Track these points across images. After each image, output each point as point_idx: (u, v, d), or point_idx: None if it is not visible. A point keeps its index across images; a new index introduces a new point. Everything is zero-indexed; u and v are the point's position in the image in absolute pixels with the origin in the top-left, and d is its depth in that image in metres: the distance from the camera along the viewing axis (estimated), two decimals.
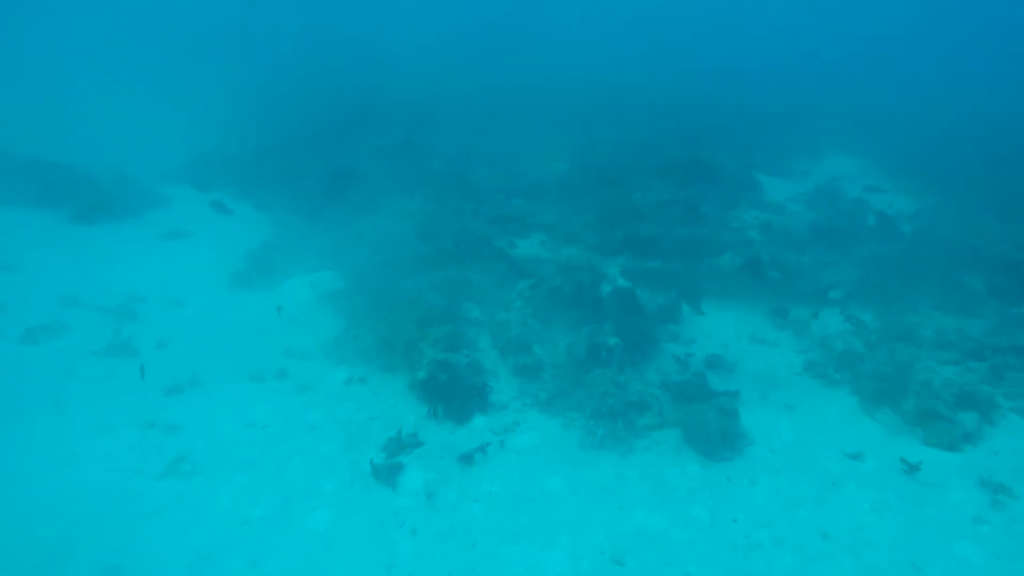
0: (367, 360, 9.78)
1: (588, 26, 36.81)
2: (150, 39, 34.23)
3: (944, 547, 5.99)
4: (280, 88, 26.25)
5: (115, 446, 8.10)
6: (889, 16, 50.62)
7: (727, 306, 10.79)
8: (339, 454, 7.77)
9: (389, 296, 10.76)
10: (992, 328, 9.40)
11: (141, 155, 19.68)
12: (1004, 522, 6.24)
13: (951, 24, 48.71)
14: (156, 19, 38.32)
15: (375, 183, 15.32)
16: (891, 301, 10.20)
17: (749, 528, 6.25)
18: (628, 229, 12.48)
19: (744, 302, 10.71)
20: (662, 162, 15.73)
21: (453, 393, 8.44)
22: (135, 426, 8.56)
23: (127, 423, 8.64)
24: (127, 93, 26.56)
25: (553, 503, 6.68)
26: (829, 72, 34.12)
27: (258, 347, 10.42)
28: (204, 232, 15.34)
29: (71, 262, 13.67)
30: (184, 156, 19.82)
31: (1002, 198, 14.52)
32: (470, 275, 11.33)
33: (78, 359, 10.34)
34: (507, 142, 18.99)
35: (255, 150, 19.70)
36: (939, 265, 10.68)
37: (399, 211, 13.89)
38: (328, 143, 18.61)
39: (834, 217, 13.21)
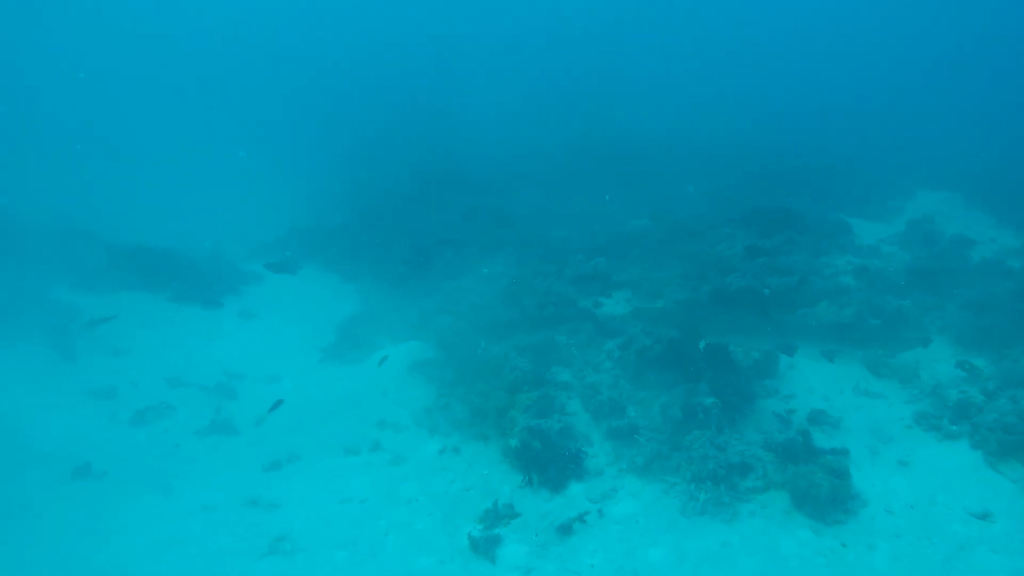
0: (459, 429, 10.35)
1: (660, 80, 37.88)
2: (239, 118, 37.64)
3: None
4: (363, 161, 28.17)
5: (218, 525, 8.78)
6: (954, 44, 49.51)
7: (825, 357, 10.79)
8: (436, 528, 8.19)
9: (477, 363, 11.38)
10: None
11: (234, 233, 21.50)
12: None
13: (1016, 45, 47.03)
14: (244, 99, 42.14)
15: (457, 250, 16.26)
16: (1006, 344, 9.93)
17: None
18: (715, 282, 12.72)
19: (844, 351, 10.70)
20: (744, 211, 15.99)
21: (547, 460, 8.81)
22: (237, 504, 9.30)
23: (229, 501, 9.38)
24: (220, 174, 29.34)
25: (658, 575, 6.83)
26: (905, 106, 33.65)
27: (352, 420, 11.20)
28: (295, 307, 16.62)
29: (174, 343, 15.12)
30: (274, 232, 21.61)
31: None
32: (556, 338, 11.83)
33: (183, 438, 11.37)
34: (584, 201, 19.73)
35: (341, 223, 21.21)
36: None
37: (482, 277, 14.68)
38: (410, 213, 19.87)
39: (932, 257, 12.99)
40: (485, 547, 7.57)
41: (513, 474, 9.01)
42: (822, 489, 7.26)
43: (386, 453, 10.21)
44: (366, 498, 9.06)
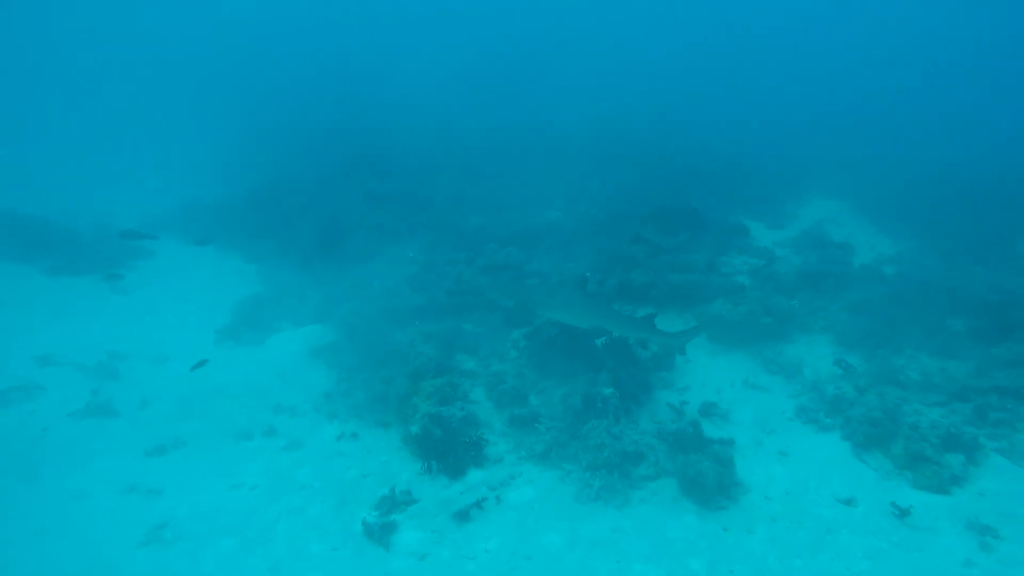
0: (359, 415, 9.98)
1: (582, 74, 38.26)
2: (135, 84, 35.02)
3: None
4: (273, 137, 26.83)
5: (90, 513, 8.08)
6: (868, 58, 53.15)
7: (719, 351, 11.20)
8: (330, 514, 7.87)
9: (381, 349, 11.03)
10: (974, 370, 9.87)
11: (125, 205, 19.94)
12: (992, 565, 6.53)
13: (930, 66, 51.18)
14: (142, 63, 39.23)
15: (368, 232, 15.71)
16: (878, 345, 10.67)
17: None
18: (621, 276, 12.93)
19: (735, 347, 11.13)
20: (653, 209, 16.36)
21: (447, 447, 8.62)
22: (113, 491, 8.57)
23: (104, 488, 8.63)
24: (111, 140, 27.13)
25: (551, 560, 6.83)
26: (811, 117, 35.60)
27: (246, 404, 10.57)
28: (189, 285, 15.57)
29: (48, 319, 13.80)
30: (170, 205, 20.15)
31: (979, 241, 15.27)
32: (464, 326, 11.66)
33: (53, 421, 10.35)
34: (501, 189, 19.61)
35: (245, 198, 20.06)
36: (922, 308, 11.22)
37: (392, 261, 14.26)
38: (320, 190, 19.07)
39: (820, 261, 13.81)
40: (380, 534, 7.33)
41: (413, 461, 8.79)
42: (708, 477, 7.48)
43: (281, 438, 9.72)
44: (257, 484, 8.58)
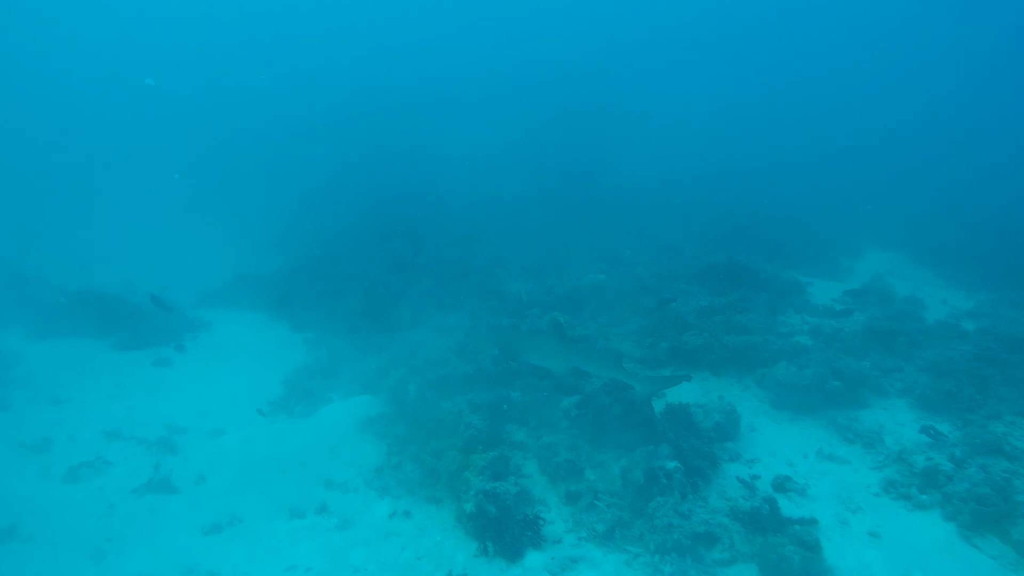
0: (410, 491, 9.49)
1: (621, 133, 38.38)
2: (188, 162, 36.83)
3: None
4: (315, 207, 27.54)
5: None
6: (910, 106, 52.00)
7: (785, 419, 10.33)
8: None
9: (429, 420, 10.59)
10: None
11: (181, 279, 20.50)
12: None
13: (972, 111, 49.81)
14: (194, 143, 41.36)
15: (411, 300, 15.58)
16: (969, 409, 9.61)
17: None
18: (673, 339, 12.31)
19: (804, 414, 10.25)
20: (700, 267, 15.81)
21: (503, 527, 8.04)
22: (173, 572, 8.31)
23: (165, 569, 8.39)
24: (167, 217, 28.34)
25: None
26: (858, 166, 34.74)
27: (298, 479, 10.23)
28: (242, 356, 15.61)
29: (116, 392, 13.96)
30: (223, 278, 20.61)
31: None
32: (512, 394, 11.15)
33: (118, 497, 10.29)
34: (541, 252, 19.35)
35: (291, 270, 20.39)
36: (1015, 367, 10.13)
37: (436, 329, 14.00)
38: (364, 258, 19.16)
39: (888, 318, 12.84)
40: None
41: (467, 541, 8.19)
42: (793, 563, 6.63)
43: (333, 516, 9.26)
44: (311, 566, 8.11)
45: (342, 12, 56.14)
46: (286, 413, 12.43)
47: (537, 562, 7.70)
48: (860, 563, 7.05)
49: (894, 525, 7.74)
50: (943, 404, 9.86)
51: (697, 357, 12.03)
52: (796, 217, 23.03)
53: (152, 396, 13.79)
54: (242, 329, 17.22)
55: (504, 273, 17.51)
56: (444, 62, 54.74)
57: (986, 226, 19.86)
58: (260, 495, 9.99)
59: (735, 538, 7.36)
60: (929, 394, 10.04)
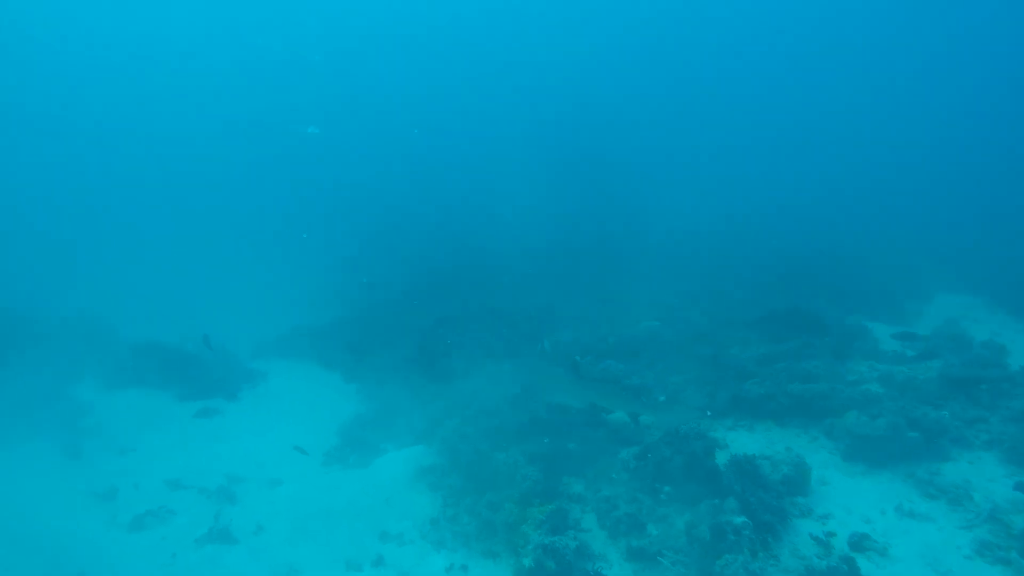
0: (467, 544, 9.40)
1: (662, 175, 38.28)
2: (245, 217, 38.55)
3: None
4: (365, 258, 28.30)
5: None
6: (954, 142, 50.03)
7: (859, 472, 9.80)
8: None
9: (485, 471, 10.51)
10: None
11: (239, 329, 21.23)
12: None
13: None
14: (248, 194, 43.27)
15: (462, 350, 15.69)
16: None
17: None
18: (733, 388, 11.96)
19: (879, 466, 9.70)
20: (758, 313, 15.40)
21: None
22: None
23: None
24: (226, 269, 29.61)
25: None
26: (914, 204, 33.59)
27: (354, 530, 10.28)
28: (298, 406, 15.94)
29: (178, 442, 14.45)
30: (279, 327, 21.27)
31: None
32: (568, 445, 10.99)
33: (180, 547, 10.57)
34: (591, 300, 19.30)
35: (343, 321, 20.88)
36: None
37: (488, 379, 14.03)
38: (413, 312, 19.47)
39: (966, 365, 12.13)
40: None
41: None
42: None
43: (390, 569, 9.28)
44: None
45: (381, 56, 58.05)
46: (341, 463, 12.57)
47: None
48: None
49: None
50: None
51: (759, 406, 11.61)
52: (855, 258, 22.25)
53: (212, 446, 14.20)
54: (297, 379, 17.67)
55: (554, 321, 17.48)
56: (491, 111, 56.02)
57: None
58: (317, 546, 10.10)
59: None
60: (1020, 446, 9.35)
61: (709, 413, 11.51)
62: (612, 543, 8.82)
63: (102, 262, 30.52)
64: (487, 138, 51.82)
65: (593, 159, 43.31)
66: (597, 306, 18.54)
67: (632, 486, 9.68)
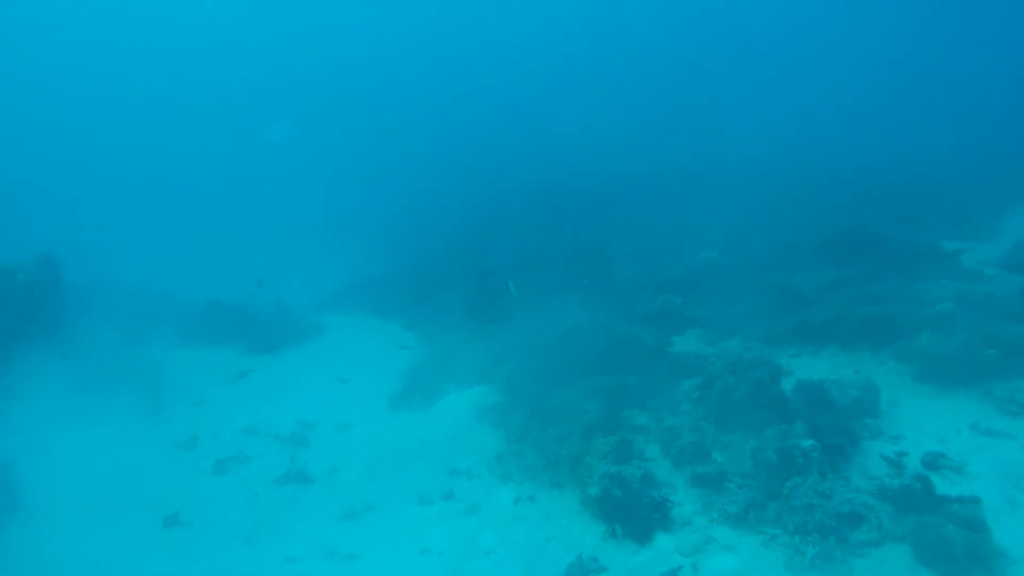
0: (533, 476, 9.78)
1: (733, 102, 36.76)
2: (296, 171, 39.26)
3: None
4: (415, 207, 28.56)
5: None
6: None
7: (932, 393, 9.68)
8: None
9: (547, 407, 10.84)
10: None
11: (297, 286, 22.04)
12: None
13: None
14: (302, 152, 44.02)
15: (519, 292, 15.87)
16: None
17: None
18: (796, 315, 11.85)
19: (953, 386, 9.55)
20: (821, 238, 15.04)
21: (631, 509, 8.14)
22: (317, 555, 9.10)
23: (310, 552, 9.22)
24: (280, 227, 30.46)
25: None
26: (989, 111, 31.44)
27: (423, 467, 10.83)
28: (359, 355, 16.59)
29: (248, 393, 15.32)
30: (335, 283, 21.98)
31: None
32: (628, 379, 11.18)
33: (261, 487, 11.36)
34: (649, 235, 19.13)
35: (398, 272, 21.36)
36: None
37: (546, 318, 14.24)
38: (467, 257, 19.74)
39: None
40: None
41: (594, 524, 8.38)
42: (955, 544, 6.25)
43: (460, 502, 9.74)
44: (444, 549, 8.62)
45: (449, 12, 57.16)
46: (406, 406, 13.13)
47: (668, 544, 7.75)
48: None
49: None
50: None
51: (824, 332, 11.50)
52: (926, 174, 21.23)
53: (280, 395, 14.99)
54: (357, 330, 18.32)
55: (612, 256, 17.43)
56: (543, 47, 54.53)
57: None
58: (389, 483, 10.69)
59: (883, 518, 7.04)
60: None
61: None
62: (677, 471, 9.03)
63: (162, 231, 31.81)
64: (542, 75, 50.68)
65: (649, 89, 41.94)
66: (654, 240, 18.38)
67: (695, 415, 9.84)
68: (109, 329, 16.94)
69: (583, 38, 53.71)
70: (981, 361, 9.44)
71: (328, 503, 10.51)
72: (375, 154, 41.74)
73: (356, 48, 57.70)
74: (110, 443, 13.20)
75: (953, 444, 8.41)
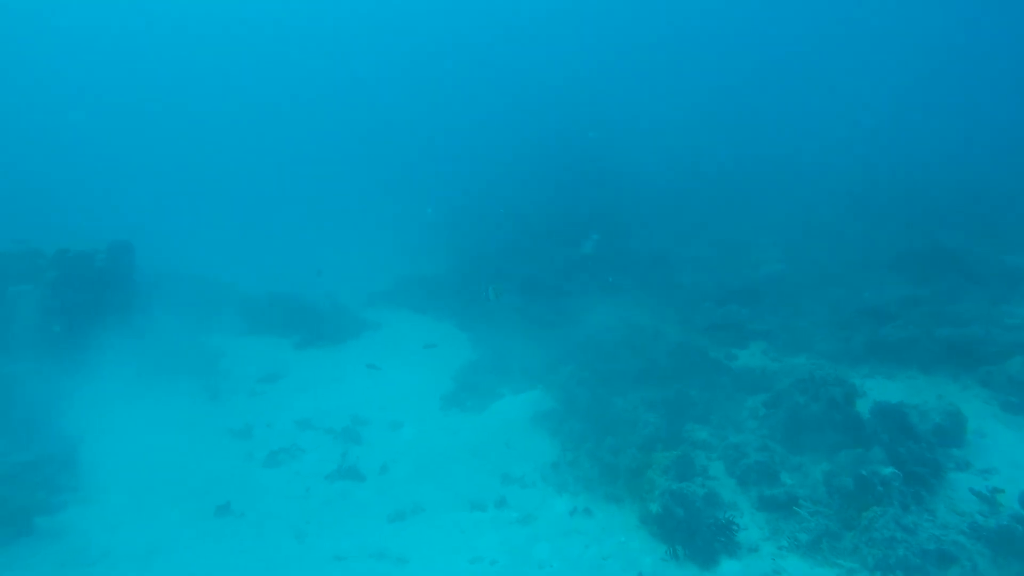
0: (589, 488, 9.53)
1: (800, 108, 35.59)
2: (355, 173, 39.79)
3: None
4: (471, 208, 28.51)
5: None
6: None
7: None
8: None
9: (604, 416, 10.57)
10: None
11: (349, 282, 22.21)
12: None
13: None
14: (361, 153, 44.66)
15: (574, 294, 15.65)
16: None
17: None
18: (870, 333, 11.25)
19: None
20: (894, 253, 14.33)
21: (693, 530, 7.80)
22: (366, 556, 8.99)
23: (359, 552, 9.10)
24: (337, 223, 30.84)
25: None
26: None
27: (475, 471, 10.66)
28: (413, 353, 16.57)
29: (303, 385, 15.43)
30: (389, 279, 22.07)
31: None
32: (690, 391, 10.80)
33: (313, 482, 11.34)
34: (710, 242, 18.60)
35: (451, 271, 21.34)
36: None
37: (602, 322, 13.94)
38: (522, 259, 19.54)
39: None
40: None
41: (653, 543, 8.08)
42: None
43: (513, 511, 9.54)
44: (496, 558, 8.42)
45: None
46: (459, 407, 13.01)
47: (733, 570, 7.39)
48: None
49: None
50: None
51: (900, 352, 10.90)
52: (1001, 188, 20.04)
53: (333, 389, 15.05)
54: (410, 327, 18.33)
55: (671, 264, 17.00)
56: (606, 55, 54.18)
57: None
58: (440, 486, 10.53)
59: (978, 561, 6.52)
60: None
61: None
62: (742, 491, 8.68)
63: (227, 223, 32.58)
64: (607, 78, 50.22)
65: (715, 95, 41.04)
66: (716, 248, 17.86)
67: (762, 434, 9.45)
68: (175, 315, 17.36)
69: (648, 42, 52.93)
70: None
71: (378, 502, 10.42)
72: (434, 152, 41.97)
73: (421, 48, 58.23)
74: (169, 426, 13.41)
75: None
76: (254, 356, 17.30)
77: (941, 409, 8.90)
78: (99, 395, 13.76)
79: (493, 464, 10.71)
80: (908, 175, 23.54)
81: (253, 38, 57.50)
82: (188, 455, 12.47)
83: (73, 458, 11.90)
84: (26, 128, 46.37)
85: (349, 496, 10.85)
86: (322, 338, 17.81)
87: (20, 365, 13.95)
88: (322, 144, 48.56)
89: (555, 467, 10.19)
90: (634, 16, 53.44)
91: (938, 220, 17.83)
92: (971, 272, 13.50)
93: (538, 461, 10.49)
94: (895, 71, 47.69)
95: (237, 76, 58.37)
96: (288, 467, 12.08)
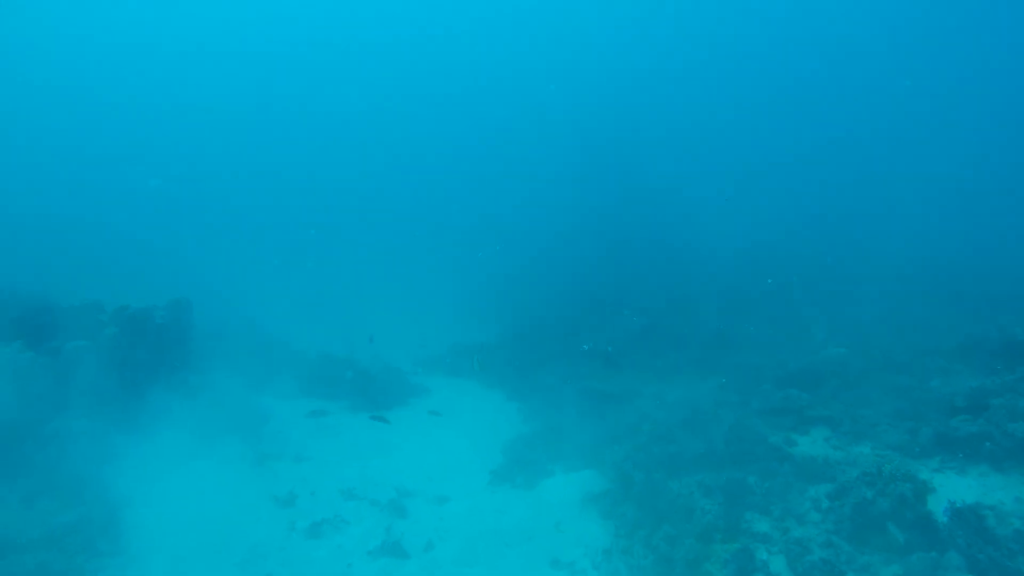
0: None
1: (852, 190, 35.74)
2: (402, 236, 41.13)
3: None
4: (524, 278, 29.07)
5: None
6: None
7: None
8: None
9: (659, 501, 10.45)
10: None
11: (401, 346, 22.69)
12: None
13: None
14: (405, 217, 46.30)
15: (628, 371, 15.72)
16: None
17: None
18: (938, 425, 10.99)
19: None
20: (960, 340, 14.06)
21: None
22: None
23: None
24: (389, 287, 31.69)
25: None
26: None
27: (524, 554, 10.59)
28: (461, 422, 16.72)
29: (350, 452, 15.65)
30: (442, 346, 22.51)
31: None
32: (748, 478, 10.64)
33: (355, 558, 11.35)
34: (766, 320, 18.53)
35: (505, 338, 21.68)
36: None
37: (657, 402, 13.93)
38: (574, 332, 19.75)
39: None
40: None
41: None
42: None
43: None
44: None
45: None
46: (508, 483, 13.01)
47: None
48: None
49: None
50: None
51: (972, 446, 10.57)
52: None
53: (381, 457, 15.23)
54: (459, 396, 18.59)
55: (726, 344, 16.97)
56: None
57: None
58: (487, 569, 10.46)
59: None
60: None
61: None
62: None
63: (272, 283, 33.85)
64: (670, 150, 51.47)
65: (769, 173, 41.61)
66: (773, 329, 17.77)
67: (825, 528, 9.21)
68: (229, 374, 17.96)
69: (718, 120, 54.32)
70: None
71: None
72: (491, 220, 43.20)
73: (490, 115, 60.88)
74: (214, 490, 13.70)
75: None
76: (302, 419, 17.69)
77: (1020, 513, 8.59)
78: (149, 456, 14.18)
79: (543, 547, 10.63)
80: (972, 257, 23.20)
81: (312, 102, 60.86)
82: (231, 522, 12.56)
83: (115, 521, 12.05)
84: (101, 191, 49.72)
85: (393, 575, 10.85)
86: (372, 403, 18.12)
87: (75, 423, 14.38)
88: (382, 201, 50.63)
89: (607, 554, 10.07)
90: (707, 92, 54.97)
91: (1005, 306, 17.44)
92: None
93: (589, 546, 10.39)
94: (961, 147, 47.62)
95: (297, 132, 61.60)
96: (331, 539, 12.11)
